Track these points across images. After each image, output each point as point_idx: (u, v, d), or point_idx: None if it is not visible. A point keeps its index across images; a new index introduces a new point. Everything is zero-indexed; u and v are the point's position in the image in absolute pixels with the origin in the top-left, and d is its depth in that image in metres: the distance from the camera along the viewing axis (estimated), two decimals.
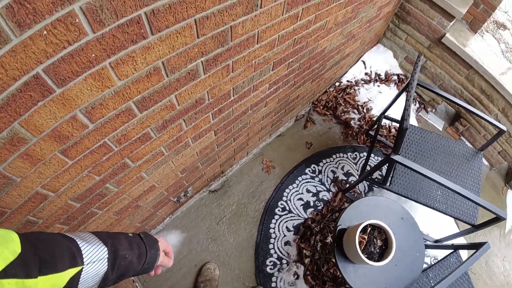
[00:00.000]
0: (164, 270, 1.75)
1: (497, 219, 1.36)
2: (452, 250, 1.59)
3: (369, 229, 1.26)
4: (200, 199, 1.98)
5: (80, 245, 0.51)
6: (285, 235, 1.93)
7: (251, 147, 2.04)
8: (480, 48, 2.26)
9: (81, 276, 0.49)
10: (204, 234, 1.89)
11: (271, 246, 1.89)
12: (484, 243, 1.32)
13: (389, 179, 1.66)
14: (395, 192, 1.65)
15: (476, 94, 2.32)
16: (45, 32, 0.51)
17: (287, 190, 2.08)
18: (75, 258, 0.49)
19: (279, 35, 1.12)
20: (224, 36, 0.87)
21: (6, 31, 0.47)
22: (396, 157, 1.40)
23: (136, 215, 1.43)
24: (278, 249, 1.89)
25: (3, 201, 0.75)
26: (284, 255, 1.88)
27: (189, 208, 1.94)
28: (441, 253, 1.93)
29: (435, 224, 2.02)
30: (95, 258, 0.52)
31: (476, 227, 1.53)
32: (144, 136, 0.94)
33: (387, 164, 1.55)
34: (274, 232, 1.93)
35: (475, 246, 1.36)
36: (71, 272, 0.47)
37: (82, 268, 0.49)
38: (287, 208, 2.02)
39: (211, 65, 0.91)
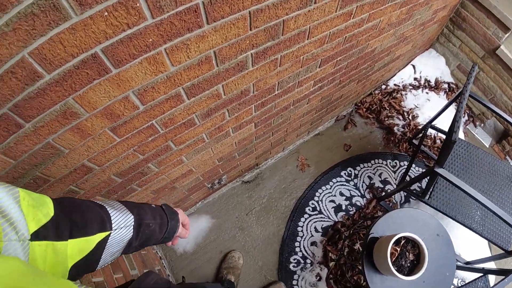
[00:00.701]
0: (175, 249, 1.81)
1: None
2: (481, 274, 1.50)
3: (402, 241, 1.21)
4: (232, 188, 2.01)
5: (109, 212, 0.55)
6: (312, 235, 1.91)
7: (288, 143, 2.03)
8: None
9: (108, 240, 0.52)
10: (233, 222, 1.92)
11: (297, 244, 1.88)
12: None
13: (429, 192, 1.58)
14: (433, 207, 1.57)
15: None
16: (106, 13, 0.54)
17: (319, 191, 2.05)
18: (104, 223, 0.52)
19: (330, 32, 1.09)
20: (276, 30, 0.86)
21: (67, 8, 0.49)
22: (440, 171, 1.32)
23: (171, 196, 1.48)
24: (304, 248, 1.88)
25: (49, 169, 0.80)
26: (309, 255, 1.86)
27: (221, 195, 1.99)
28: (469, 276, 1.82)
29: (468, 245, 1.90)
30: (122, 224, 0.55)
31: (509, 253, 1.42)
32: (189, 121, 0.97)
33: (428, 177, 1.48)
34: (301, 231, 1.92)
35: (505, 272, 1.28)
36: (100, 236, 0.50)
37: (110, 233, 0.52)
38: (318, 208, 1.99)
39: (260, 58, 0.91)
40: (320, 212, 1.98)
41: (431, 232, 1.33)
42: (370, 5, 1.13)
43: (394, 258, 1.19)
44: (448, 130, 1.53)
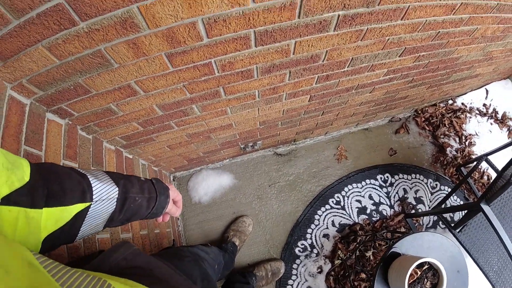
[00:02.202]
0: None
1: None
2: None
3: (425, 266, 1.12)
4: (263, 156, 1.96)
5: (91, 182, 0.50)
6: (327, 227, 1.84)
7: (334, 128, 1.92)
8: None
9: (88, 212, 0.48)
10: (254, 189, 1.89)
11: (309, 230, 1.83)
12: None
13: (462, 226, 1.46)
14: (460, 242, 1.45)
15: None
16: None
17: (349, 186, 1.95)
18: (84, 193, 0.47)
19: (426, 20, 0.96)
20: None
21: None
22: (486, 208, 1.21)
23: (204, 145, 1.45)
24: (315, 237, 1.82)
25: (93, 80, 0.76)
26: (317, 245, 1.81)
27: (250, 159, 1.94)
28: None
29: None
30: (104, 196, 0.51)
31: None
32: (247, 71, 0.90)
33: (467, 210, 1.35)
34: (318, 220, 1.85)
35: None
36: (78, 207, 0.46)
37: (91, 204, 0.48)
38: (342, 203, 1.90)
39: (346, 23, 0.80)
40: (343, 208, 1.89)
41: (454, 266, 1.24)
42: (473, 8, 1.00)
43: (411, 281, 1.10)
44: (503, 167, 1.38)
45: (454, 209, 1.43)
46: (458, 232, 1.48)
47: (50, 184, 0.43)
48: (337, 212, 1.88)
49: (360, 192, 1.94)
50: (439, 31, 1.06)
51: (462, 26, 1.10)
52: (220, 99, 1.02)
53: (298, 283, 1.75)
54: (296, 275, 1.76)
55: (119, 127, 1.06)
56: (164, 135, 1.22)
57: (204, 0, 0.62)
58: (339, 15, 0.76)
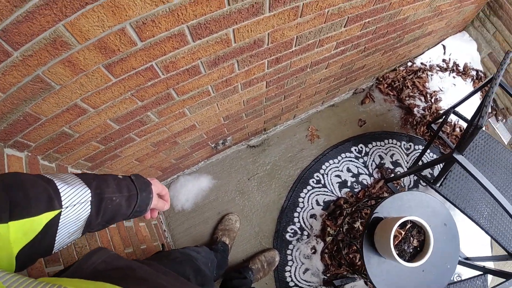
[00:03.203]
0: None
1: None
2: (481, 273, 1.47)
3: (408, 225, 1.15)
4: (237, 151, 1.95)
5: (58, 187, 0.46)
6: (312, 208, 1.87)
7: (300, 110, 1.93)
8: None
9: (60, 220, 0.45)
10: (234, 185, 1.88)
11: (296, 214, 1.85)
12: None
13: (441, 180, 1.50)
14: (443, 196, 1.49)
15: None
16: None
17: (326, 164, 1.98)
18: (52, 200, 0.44)
19: None
20: None
21: None
22: (459, 157, 1.24)
23: (173, 151, 1.43)
24: (303, 219, 1.84)
25: (39, 107, 0.75)
26: (307, 227, 1.83)
27: (224, 157, 1.93)
28: (466, 272, 1.80)
29: (470, 241, 1.86)
30: (75, 201, 0.47)
31: (511, 256, 1.40)
32: (193, 68, 0.88)
33: (443, 163, 1.39)
34: (302, 202, 1.87)
35: (506, 275, 1.26)
36: (47, 216, 0.43)
37: (61, 211, 0.45)
38: (322, 181, 1.93)
39: (279, 2, 0.80)
40: (324, 186, 1.92)
41: (439, 221, 1.27)
42: None
43: (397, 242, 1.13)
44: (472, 116, 1.42)
45: (428, 164, 1.47)
46: (439, 186, 1.52)
47: (12, 194, 0.40)
48: (320, 191, 1.91)
49: (338, 167, 1.98)
50: None
51: None
52: (174, 101, 1.00)
53: (296, 268, 1.77)
54: (291, 260, 1.78)
55: (79, 150, 1.03)
56: (128, 149, 1.19)
57: (126, 5, 0.60)
58: None
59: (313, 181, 1.93)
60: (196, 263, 0.95)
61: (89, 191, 0.50)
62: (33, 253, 0.42)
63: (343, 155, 2.02)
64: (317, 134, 2.05)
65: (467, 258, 1.71)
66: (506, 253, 1.43)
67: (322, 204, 1.88)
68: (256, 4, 0.76)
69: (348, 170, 1.98)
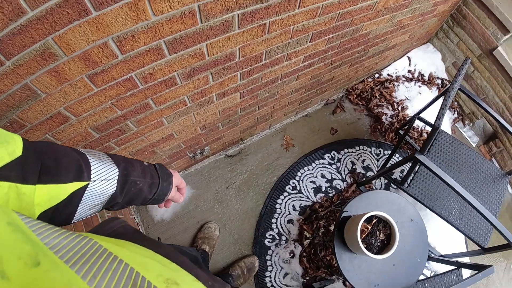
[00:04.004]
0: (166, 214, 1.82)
1: (508, 246, 1.28)
2: (455, 267, 1.54)
3: (374, 220, 1.24)
4: (215, 161, 2.01)
5: (90, 161, 0.48)
6: (289, 213, 1.94)
7: (275, 121, 2.03)
8: None
9: (85, 192, 0.46)
10: (212, 195, 1.93)
11: (274, 220, 1.91)
12: (489, 266, 1.25)
13: (409, 180, 1.61)
14: (411, 195, 1.59)
15: None
16: None
17: (301, 171, 2.07)
18: (82, 172, 0.46)
19: (323, 4, 1.06)
20: None
21: None
22: (420, 157, 1.34)
23: (151, 160, 1.47)
24: (280, 225, 1.91)
25: (25, 114, 0.79)
26: (284, 232, 1.89)
27: (203, 167, 1.98)
28: (442, 269, 1.87)
29: (445, 239, 1.96)
30: (103, 176, 0.49)
31: (485, 250, 1.47)
32: (170, 80, 0.95)
33: (409, 164, 1.49)
34: (279, 208, 1.94)
35: (479, 268, 1.30)
36: (75, 185, 0.44)
37: (88, 184, 0.47)
38: (298, 188, 2.01)
39: (247, 20, 0.89)
40: (300, 192, 2.00)
41: (406, 217, 1.35)
42: None
43: (364, 236, 1.21)
44: (435, 120, 1.54)
45: (394, 166, 1.54)
46: (407, 187, 1.61)
47: (44, 160, 0.41)
48: (296, 197, 1.99)
49: (312, 173, 2.07)
50: (339, 12, 1.17)
51: (361, 2, 1.20)
52: (152, 111, 1.06)
53: (275, 272, 1.82)
54: (271, 265, 1.82)
55: None
56: None
57: (109, 21, 0.67)
58: (238, 14, 0.85)
59: (289, 188, 2.01)
60: (186, 251, 0.98)
61: (117, 170, 0.53)
62: (53, 218, 0.43)
63: (317, 162, 2.12)
64: (292, 143, 2.15)
65: (442, 256, 1.77)
66: (480, 248, 1.48)
67: (298, 209, 1.96)
68: (226, 22, 0.85)
69: (322, 176, 2.07)
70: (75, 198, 0.45)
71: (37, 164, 0.40)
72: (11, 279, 0.23)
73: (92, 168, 0.48)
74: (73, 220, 0.48)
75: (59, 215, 0.44)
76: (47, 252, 0.28)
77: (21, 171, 0.37)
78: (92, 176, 0.48)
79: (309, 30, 1.17)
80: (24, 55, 0.64)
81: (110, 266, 0.33)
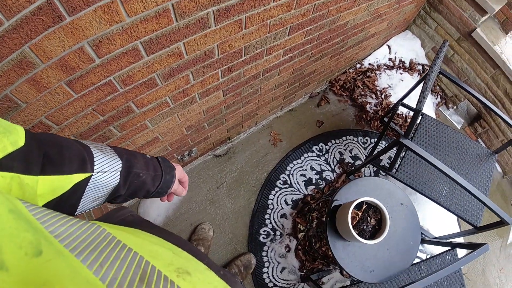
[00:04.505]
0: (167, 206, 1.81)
1: (501, 223, 1.30)
2: (449, 248, 1.56)
3: (364, 206, 1.26)
4: (204, 162, 2.01)
5: (93, 152, 0.48)
6: (282, 208, 1.95)
7: (261, 117, 2.03)
8: (510, 50, 2.13)
9: (89, 183, 0.46)
10: (204, 195, 1.93)
11: (267, 216, 1.92)
12: (483, 244, 1.26)
13: (396, 166, 1.63)
14: (400, 180, 1.62)
15: (499, 96, 2.21)
16: None
17: (291, 165, 2.08)
18: (85, 163, 0.45)
19: None
20: None
21: None
22: (405, 141, 1.36)
23: None
24: (274, 220, 1.92)
25: None
26: (278, 227, 1.90)
27: (192, 168, 1.98)
28: (437, 250, 1.91)
29: (438, 222, 2.00)
30: (107, 168, 0.49)
31: (478, 229, 1.48)
32: (150, 81, 0.95)
33: (396, 150, 1.51)
34: (272, 204, 1.95)
35: (474, 246, 1.30)
36: (78, 177, 0.44)
37: (91, 175, 0.46)
38: (289, 182, 2.03)
39: (223, 16, 0.89)
40: (291, 186, 2.02)
41: (396, 201, 1.38)
42: None
43: (355, 222, 1.23)
44: (416, 104, 1.57)
45: (380, 152, 1.55)
46: (395, 172, 1.63)
47: (47, 150, 0.41)
48: (287, 191, 2.00)
49: (301, 166, 2.09)
50: (314, 4, 1.18)
51: None
52: (134, 114, 1.05)
53: (273, 268, 1.82)
54: (268, 261, 1.83)
55: None
56: None
57: (84, 26, 0.67)
58: (213, 11, 0.85)
59: (280, 183, 2.02)
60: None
61: (120, 162, 0.52)
62: (56, 210, 0.41)
63: (305, 155, 2.14)
64: (279, 138, 2.16)
65: (436, 238, 1.79)
66: (472, 227, 1.50)
67: (290, 203, 1.97)
68: (202, 19, 0.85)
69: (312, 168, 2.09)
70: (78, 189, 0.45)
71: (40, 155, 0.40)
72: (10, 270, 0.22)
73: (95, 159, 0.48)
74: (76, 212, 0.48)
75: (62, 207, 0.44)
76: (52, 240, 0.27)
77: (24, 161, 0.36)
78: (95, 167, 0.47)
79: (286, 23, 1.17)
80: (2, 65, 0.63)
81: (118, 255, 0.32)
